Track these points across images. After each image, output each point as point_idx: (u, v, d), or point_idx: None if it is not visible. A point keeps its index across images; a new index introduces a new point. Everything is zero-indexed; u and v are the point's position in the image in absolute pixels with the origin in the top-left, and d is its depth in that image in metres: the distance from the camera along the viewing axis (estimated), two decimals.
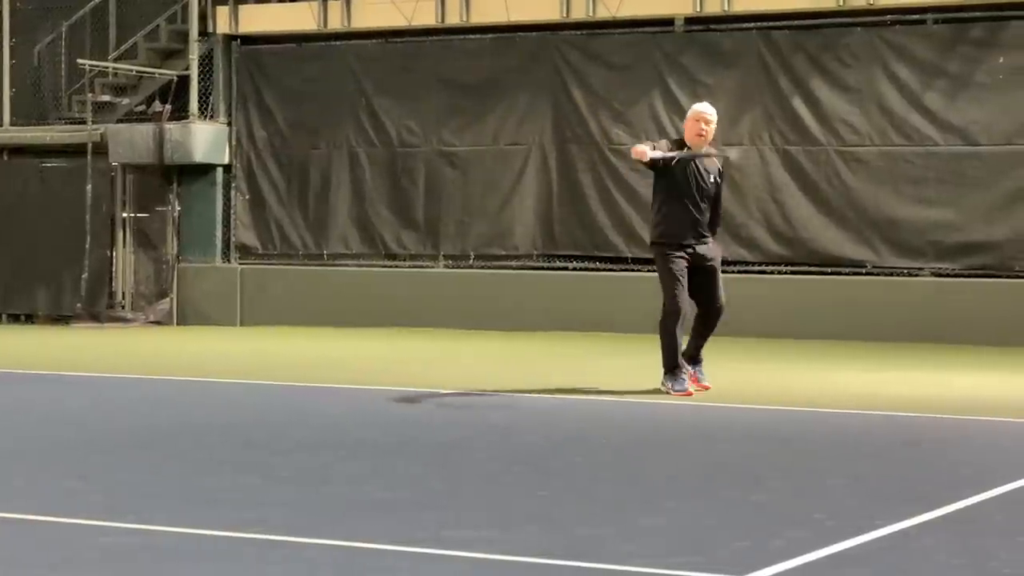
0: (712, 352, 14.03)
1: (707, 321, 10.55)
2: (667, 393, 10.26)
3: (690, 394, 10.25)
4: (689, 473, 7.38)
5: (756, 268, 15.99)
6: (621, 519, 6.08)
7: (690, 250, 10.34)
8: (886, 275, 15.55)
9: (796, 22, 15.92)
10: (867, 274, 15.62)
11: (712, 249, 10.51)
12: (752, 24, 16.06)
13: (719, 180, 10.58)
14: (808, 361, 13.17)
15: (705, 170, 10.46)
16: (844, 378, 11.82)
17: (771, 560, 5.23)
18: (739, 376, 11.89)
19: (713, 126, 10.60)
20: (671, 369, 10.34)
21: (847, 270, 15.69)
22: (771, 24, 16.00)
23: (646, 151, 10.30)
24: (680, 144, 10.55)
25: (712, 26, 16.25)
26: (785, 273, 15.91)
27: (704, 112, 10.57)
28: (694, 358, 10.59)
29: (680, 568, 5.14)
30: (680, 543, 5.61)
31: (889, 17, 15.66)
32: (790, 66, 15.91)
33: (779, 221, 15.92)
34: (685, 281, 10.29)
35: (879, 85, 15.60)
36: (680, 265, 10.29)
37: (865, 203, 15.63)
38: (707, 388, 10.52)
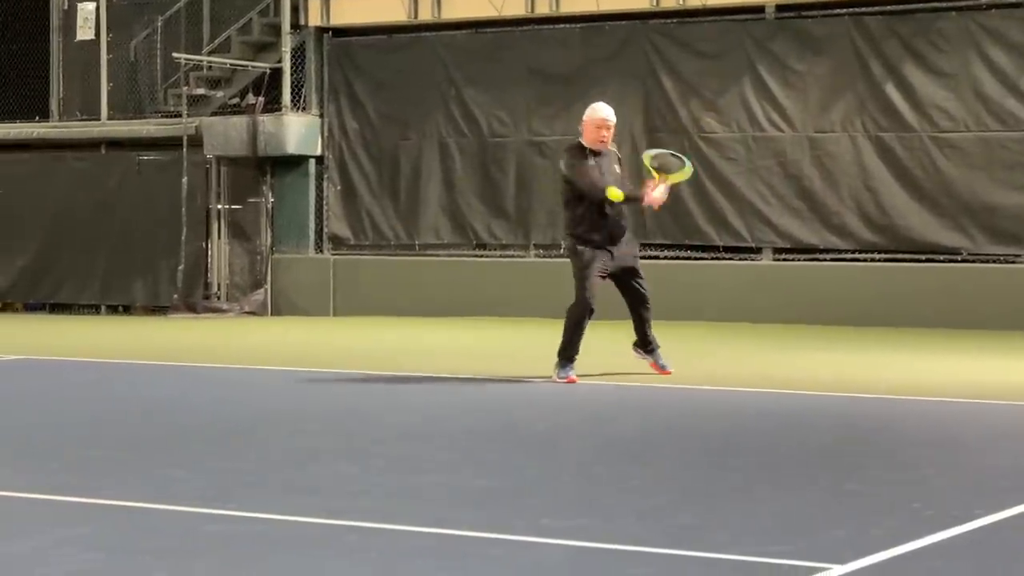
0: (805, 340, 13.98)
1: (640, 311, 10.79)
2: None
3: (573, 381, 10.37)
4: (783, 462, 7.37)
5: (849, 256, 15.89)
6: (717, 508, 6.09)
7: (610, 250, 10.56)
8: (981, 262, 15.39)
9: (889, 7, 15.78)
10: (962, 261, 15.47)
11: (629, 245, 10.73)
12: (844, 10, 15.93)
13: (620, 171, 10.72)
14: (902, 350, 13.07)
15: (610, 172, 10.60)
16: (939, 366, 11.73)
17: (870, 549, 5.22)
18: (832, 364, 11.84)
19: (614, 130, 10.73)
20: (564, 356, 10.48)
21: (942, 257, 15.54)
22: (863, 10, 15.87)
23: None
24: (580, 148, 10.63)
25: (803, 12, 16.14)
26: (878, 261, 15.79)
27: (607, 119, 10.69)
28: (647, 344, 10.77)
29: (778, 557, 5.15)
30: (777, 532, 5.62)
31: (984, 1, 15.49)
32: (882, 52, 15.77)
33: (872, 208, 15.81)
34: (596, 279, 10.55)
35: (974, 70, 15.43)
36: (597, 266, 10.53)
37: (960, 190, 15.48)
38: (668, 373, 10.68)
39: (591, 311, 10.57)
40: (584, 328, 10.57)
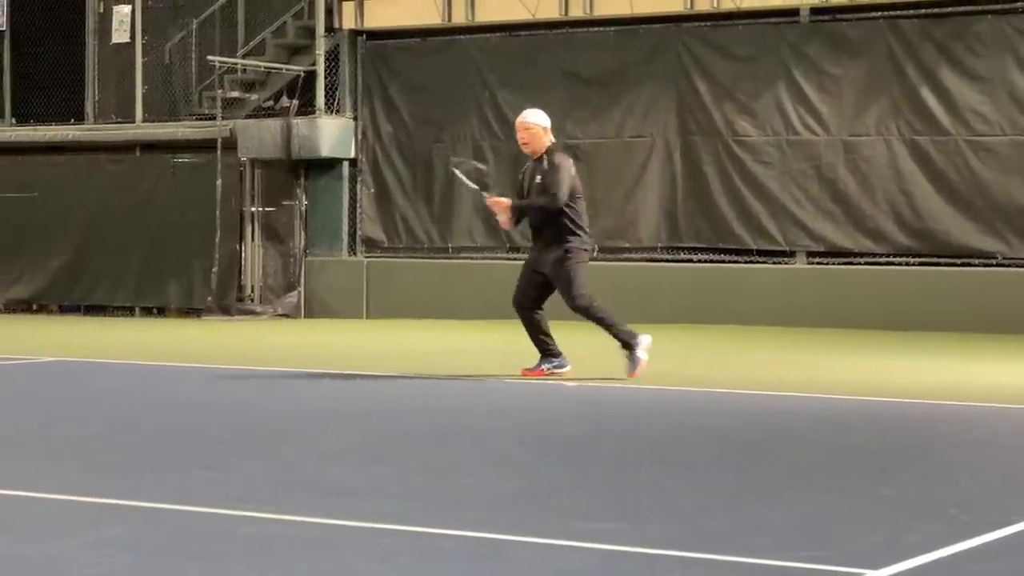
0: (838, 344, 13.92)
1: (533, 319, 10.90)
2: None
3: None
4: (815, 465, 7.34)
5: (884, 260, 15.82)
6: (749, 512, 6.07)
7: (535, 254, 10.86)
8: (1017, 266, 15.30)
9: (924, 11, 15.72)
10: (997, 265, 15.39)
11: (548, 253, 10.75)
12: (879, 13, 15.88)
13: (542, 180, 10.73)
14: (936, 354, 13.00)
15: (532, 176, 10.77)
16: (973, 370, 11.66)
17: (905, 554, 5.18)
18: (866, 368, 11.79)
19: (532, 131, 10.83)
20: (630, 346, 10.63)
21: (977, 262, 15.46)
22: (898, 13, 15.81)
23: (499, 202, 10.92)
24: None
25: (838, 15, 16.09)
26: (913, 265, 15.72)
27: (519, 121, 10.95)
28: (553, 351, 10.87)
29: (812, 562, 5.12)
30: (810, 536, 5.59)
31: (1020, 4, 15.40)
32: (918, 55, 15.71)
33: (907, 212, 15.74)
34: (521, 274, 10.91)
35: (1010, 73, 15.35)
36: (526, 260, 10.96)
37: (995, 193, 15.40)
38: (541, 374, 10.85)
39: (517, 306, 10.89)
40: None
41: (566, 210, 10.68)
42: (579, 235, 10.75)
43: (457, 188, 17.69)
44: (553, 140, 10.96)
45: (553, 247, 10.75)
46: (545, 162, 10.79)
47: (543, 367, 10.88)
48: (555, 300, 10.96)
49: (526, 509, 6.12)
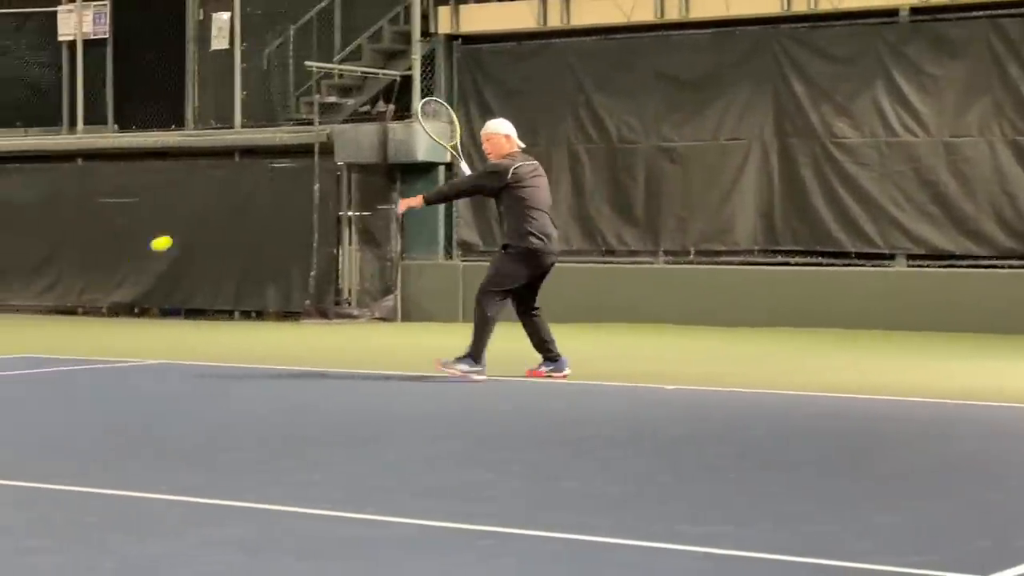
0: (940, 348, 13.76)
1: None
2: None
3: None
4: (923, 469, 7.26)
5: (986, 262, 15.62)
6: (855, 516, 6.01)
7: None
8: None
9: None
10: None
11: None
12: (981, 12, 15.68)
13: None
14: None
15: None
16: None
17: (1015, 560, 5.12)
18: (970, 372, 11.64)
19: (493, 143, 11.33)
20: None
21: None
22: (1001, 12, 15.60)
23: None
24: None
25: (939, 15, 15.91)
26: (1016, 268, 15.50)
27: (483, 131, 11.53)
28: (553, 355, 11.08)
29: (920, 567, 5.07)
30: (918, 541, 5.53)
31: None
32: (1021, 54, 15.49)
33: (1010, 214, 15.53)
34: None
35: None
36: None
37: None
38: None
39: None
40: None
41: (513, 210, 11.02)
42: (525, 232, 11.02)
43: (554, 191, 17.68)
44: (519, 147, 11.32)
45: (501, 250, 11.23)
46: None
47: (543, 368, 11.07)
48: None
49: (629, 512, 6.11)
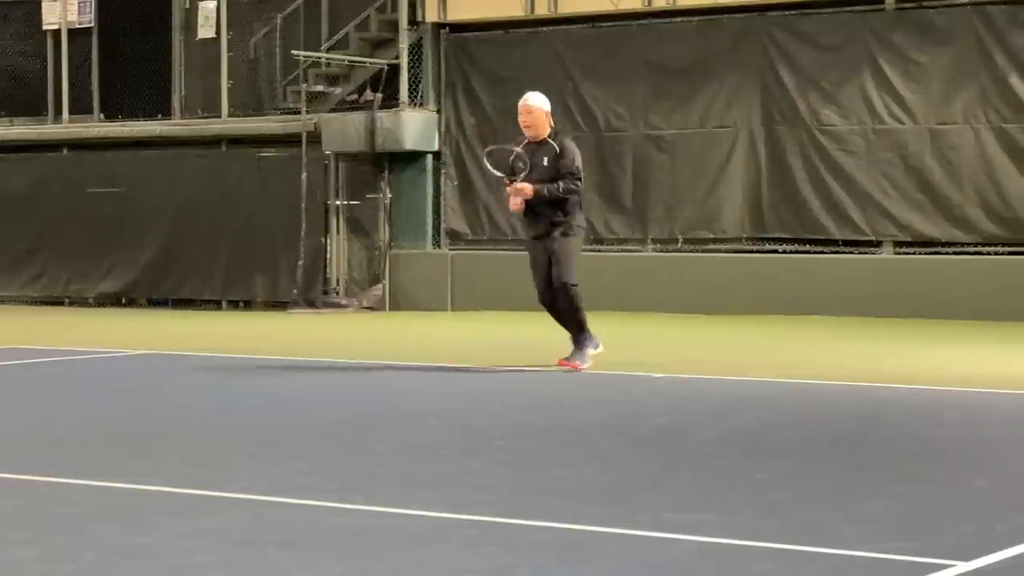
0: (926, 335, 13.80)
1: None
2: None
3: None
4: (907, 456, 7.29)
5: (972, 249, 15.66)
6: (840, 503, 6.05)
7: (538, 240, 10.88)
8: None
9: None
10: None
11: (552, 237, 10.79)
12: (966, 0, 15.70)
13: (554, 164, 10.78)
14: None
15: (534, 161, 10.81)
16: None
17: (997, 546, 5.15)
18: (956, 359, 11.68)
19: (535, 115, 10.94)
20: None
21: None
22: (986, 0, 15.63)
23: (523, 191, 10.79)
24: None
25: (924, 3, 15.93)
26: (1002, 254, 15.54)
27: (522, 103, 11.05)
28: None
29: (903, 553, 5.10)
30: (902, 528, 5.56)
31: None
32: (1006, 42, 15.52)
33: (995, 200, 15.56)
34: (535, 271, 10.90)
35: None
36: (531, 256, 10.97)
37: None
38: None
39: (546, 304, 11.01)
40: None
41: (575, 191, 10.80)
42: (581, 213, 10.96)
43: None
44: (553, 124, 11.09)
45: (556, 228, 10.83)
46: (555, 146, 10.88)
47: (577, 361, 10.89)
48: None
49: (615, 501, 6.14)
